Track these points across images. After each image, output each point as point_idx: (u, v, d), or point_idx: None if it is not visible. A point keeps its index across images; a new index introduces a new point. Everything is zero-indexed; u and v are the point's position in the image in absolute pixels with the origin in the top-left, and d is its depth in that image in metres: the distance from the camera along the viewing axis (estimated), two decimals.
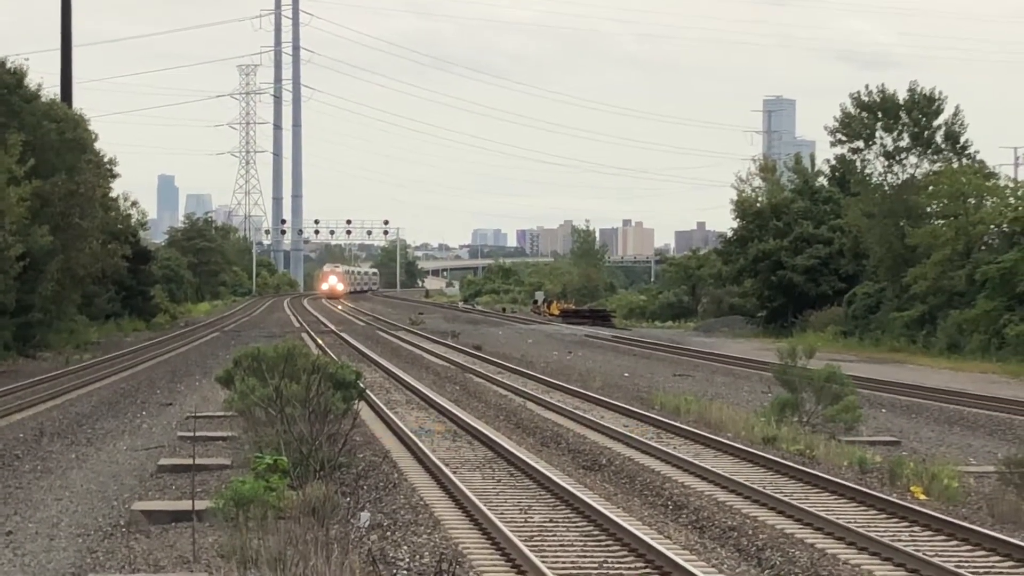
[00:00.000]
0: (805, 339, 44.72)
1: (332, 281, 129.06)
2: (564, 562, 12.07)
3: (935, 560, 12.06)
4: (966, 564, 12.09)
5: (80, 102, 67.75)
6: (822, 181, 77.22)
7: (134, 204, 74.18)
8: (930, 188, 58.92)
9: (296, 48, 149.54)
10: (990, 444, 24.73)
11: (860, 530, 13.74)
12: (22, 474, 20.48)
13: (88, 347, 52.03)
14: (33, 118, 49.31)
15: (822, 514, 14.77)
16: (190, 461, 16.63)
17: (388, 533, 13.71)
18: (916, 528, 14.38)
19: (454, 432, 25.12)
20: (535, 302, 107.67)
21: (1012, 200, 53.63)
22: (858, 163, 65.79)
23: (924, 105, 62.07)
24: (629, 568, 11.93)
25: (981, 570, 12.00)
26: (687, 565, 11.21)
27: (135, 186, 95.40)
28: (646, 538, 12.69)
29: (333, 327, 71.63)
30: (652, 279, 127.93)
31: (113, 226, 62.34)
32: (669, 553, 11.82)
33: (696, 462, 19.89)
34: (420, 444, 21.38)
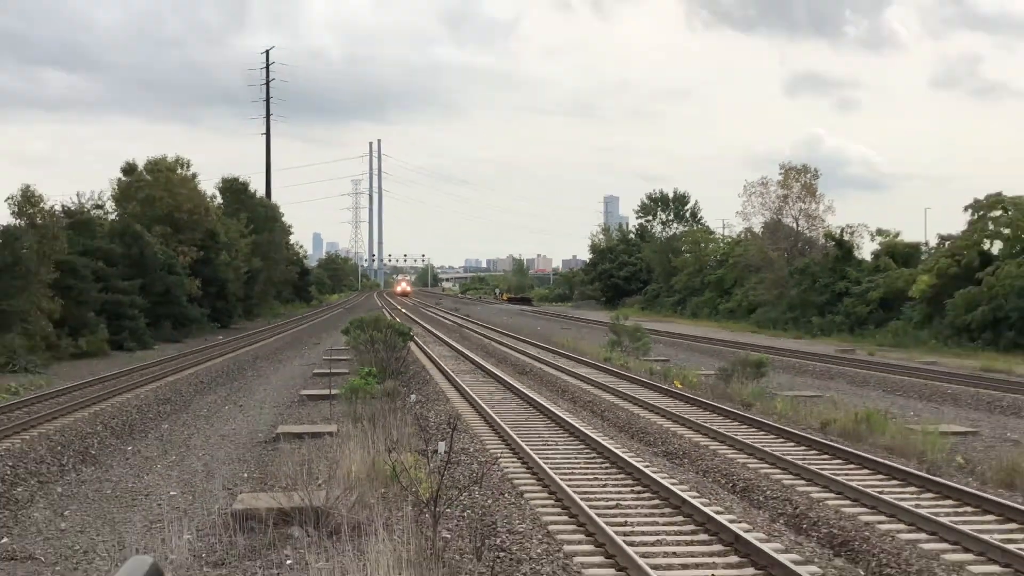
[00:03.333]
0: (623, 311, 76.76)
1: (402, 285, 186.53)
2: (508, 417, 22.12)
3: (675, 411, 23.32)
4: (691, 414, 22.96)
5: (274, 195, 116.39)
6: (631, 235, 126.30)
7: (300, 247, 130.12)
8: (683, 239, 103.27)
9: (379, 171, 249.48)
10: (711, 361, 39.91)
11: (645, 399, 25.44)
12: (246, 377, 35.11)
13: (278, 317, 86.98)
14: (251, 205, 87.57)
15: (629, 393, 26.93)
16: (328, 370, 30.30)
17: (425, 405, 24.60)
18: (674, 399, 25.95)
19: (456, 356, 40.91)
20: (495, 294, 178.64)
21: (721, 245, 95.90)
22: (649, 227, 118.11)
23: (680, 200, 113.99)
24: (537, 416, 23.04)
25: (694, 416, 22.44)
26: (566, 417, 22.50)
27: (301, 237, 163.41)
28: (547, 404, 24.44)
29: (397, 305, 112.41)
30: (551, 282, 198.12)
31: (290, 257, 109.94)
32: (558, 411, 23.27)
33: (571, 369, 33.91)
34: (440, 362, 35.56)
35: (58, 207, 45.78)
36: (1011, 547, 11.17)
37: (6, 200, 42.54)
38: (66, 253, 41.87)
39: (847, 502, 13.97)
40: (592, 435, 19.30)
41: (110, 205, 59.60)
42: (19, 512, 15.22)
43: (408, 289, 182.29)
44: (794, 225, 76.41)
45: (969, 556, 11.19)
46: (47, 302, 38.84)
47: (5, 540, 13.57)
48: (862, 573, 10.89)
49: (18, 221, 40.75)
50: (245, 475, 17.48)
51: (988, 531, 12.09)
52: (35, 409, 23.77)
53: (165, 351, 44.90)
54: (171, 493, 16.30)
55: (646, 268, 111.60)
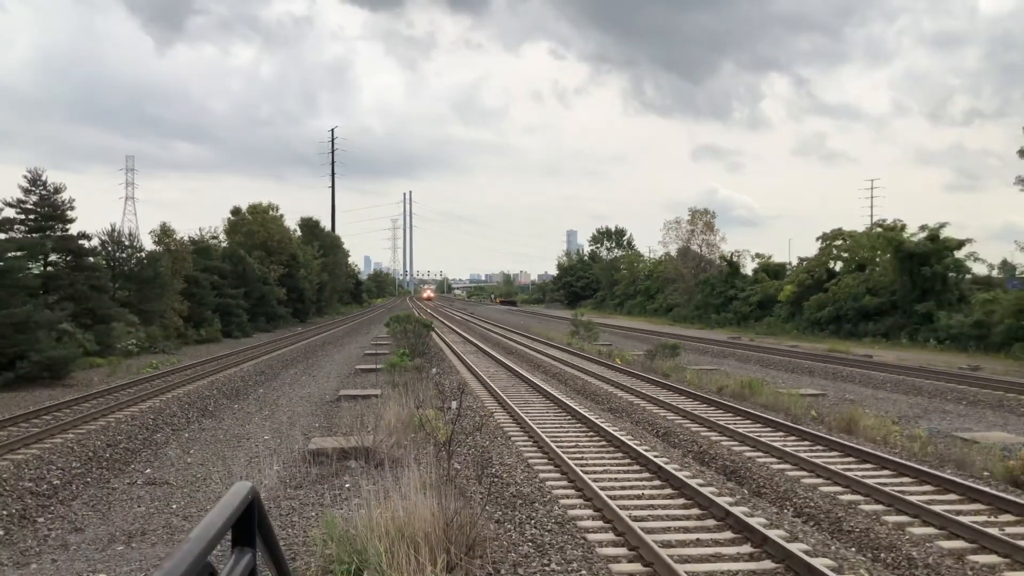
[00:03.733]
0: (580, 310, 75.86)
1: (428, 292, 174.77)
2: (500, 384, 22.42)
3: (616, 380, 23.09)
4: (627, 381, 22.90)
5: (337, 229, 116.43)
6: (586, 258, 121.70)
7: (356, 265, 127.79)
8: (622, 260, 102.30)
9: (410, 213, 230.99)
10: (642, 345, 38.00)
11: (595, 372, 25.28)
12: (317, 356, 34.36)
13: (340, 315, 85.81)
14: (321, 236, 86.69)
15: (584, 367, 26.68)
16: (375, 352, 30.87)
17: (442, 375, 23.56)
18: (615, 371, 25.71)
19: (464, 341, 39.78)
20: (491, 298, 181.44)
21: (648, 264, 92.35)
22: (598, 252, 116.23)
23: (620, 233, 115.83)
24: (520, 383, 22.96)
25: (629, 383, 22.48)
26: (541, 384, 22.55)
27: (356, 258, 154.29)
28: (527, 375, 24.21)
29: (423, 307, 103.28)
30: (530, 290, 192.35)
31: (349, 272, 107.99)
32: (535, 380, 23.28)
33: (544, 350, 33.44)
34: (453, 346, 34.84)
35: (186, 238, 45.70)
36: (849, 473, 11.19)
37: (149, 233, 42.85)
38: (191, 270, 41.91)
39: (736, 443, 13.97)
40: (559, 396, 19.28)
41: (222, 236, 59.47)
42: (158, 451, 15.13)
43: (431, 295, 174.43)
44: (699, 250, 76.51)
45: (820, 480, 11.21)
46: (178, 304, 38.79)
47: (149, 471, 13.48)
48: (745, 491, 10.89)
49: (158, 248, 40.73)
50: (317, 424, 17.40)
51: (832, 463, 12.11)
52: (169, 379, 23.63)
53: (260, 339, 44.66)
54: (265, 438, 16.22)
55: (596, 280, 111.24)
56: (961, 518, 9.00)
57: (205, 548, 1.27)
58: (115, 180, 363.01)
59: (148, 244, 39.91)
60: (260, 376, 26.58)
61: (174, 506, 11.33)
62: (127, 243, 36.71)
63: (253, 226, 61.80)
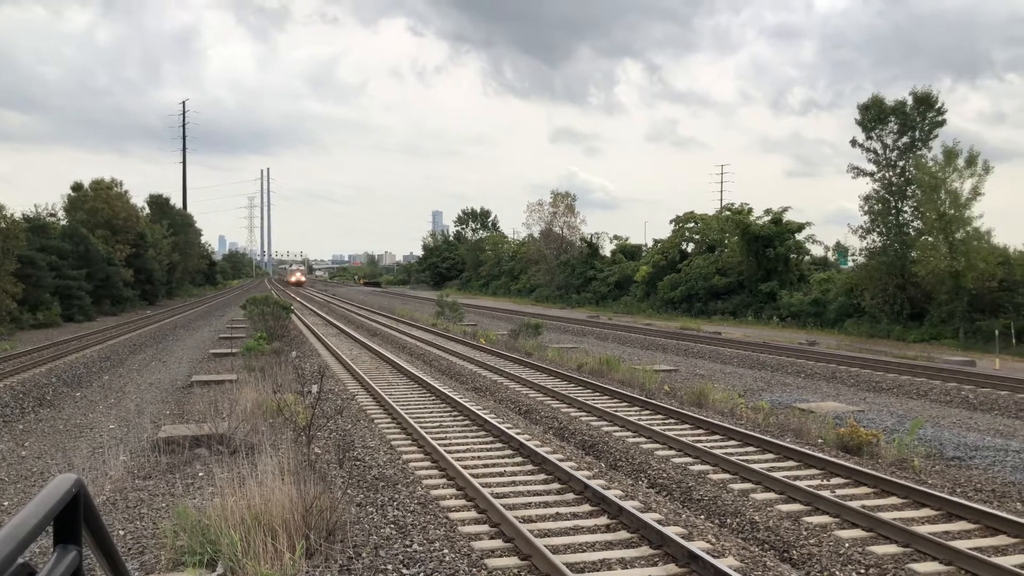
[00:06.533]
0: (446, 291, 74.49)
1: (296, 275, 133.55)
2: (363, 367, 22.00)
3: (480, 359, 23.36)
4: (491, 361, 23.15)
5: (189, 207, 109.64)
6: (451, 239, 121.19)
7: (209, 245, 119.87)
8: (486, 241, 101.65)
9: (268, 190, 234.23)
10: (505, 324, 38.57)
11: (460, 352, 25.33)
12: (168, 340, 32.74)
13: (193, 297, 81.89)
14: (171, 214, 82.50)
15: (449, 347, 26.70)
16: (230, 335, 29.82)
17: (302, 359, 22.99)
18: (479, 351, 25.68)
19: (326, 324, 39.11)
20: (355, 279, 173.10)
21: (512, 246, 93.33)
22: (463, 233, 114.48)
23: (484, 214, 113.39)
24: (384, 365, 22.52)
25: (493, 362, 22.67)
26: (405, 365, 22.46)
27: (209, 238, 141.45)
28: (392, 356, 23.92)
29: (284, 289, 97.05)
30: (395, 271, 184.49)
31: (201, 252, 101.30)
32: (400, 362, 23.05)
33: (408, 332, 33.32)
34: (314, 329, 34.06)
35: (19, 215, 42.24)
36: (699, 445, 11.76)
37: None
38: (25, 249, 38.82)
39: (594, 418, 14.39)
40: (423, 377, 19.21)
41: (62, 214, 55.51)
42: None
43: (302, 279, 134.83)
44: (561, 232, 78.09)
45: (672, 452, 11.71)
46: (10, 286, 35.85)
47: None
48: (603, 465, 11.24)
49: None
50: (167, 412, 16.60)
51: (684, 435, 12.68)
52: (1, 367, 21.86)
53: (106, 323, 42.07)
54: (110, 426, 15.33)
55: (462, 261, 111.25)
56: (798, 483, 9.64)
57: (18, 546, 1.16)
58: None
59: None
60: (105, 362, 25.05)
61: (5, 503, 10.52)
62: None
63: (96, 203, 57.95)
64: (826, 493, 9.21)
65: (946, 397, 18.71)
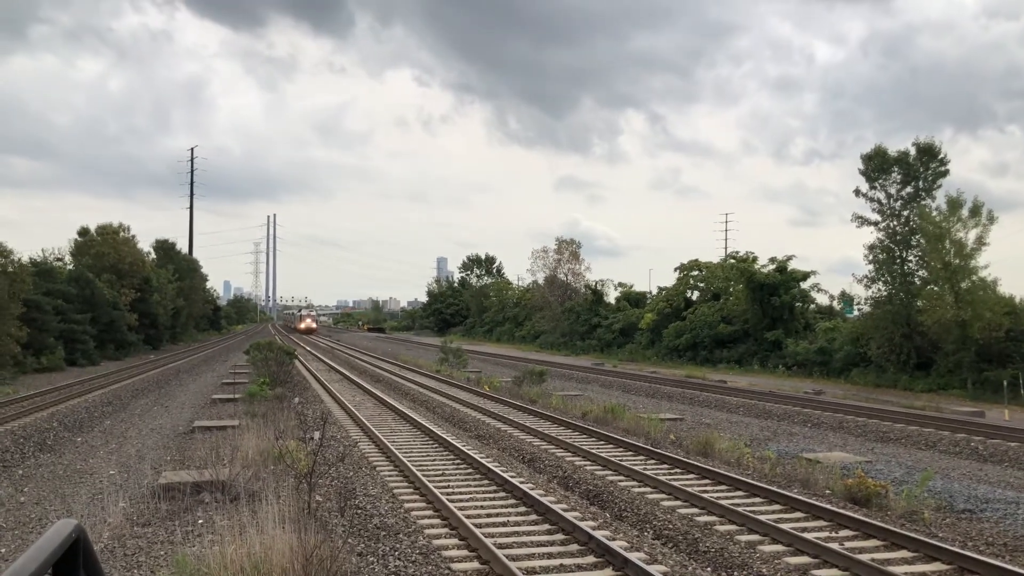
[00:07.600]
0: (450, 337, 72.83)
1: (307, 321, 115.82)
2: (366, 413, 21.86)
3: (483, 406, 23.19)
4: (494, 407, 22.96)
5: (195, 252, 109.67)
6: (456, 285, 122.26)
7: (214, 290, 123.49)
8: (491, 288, 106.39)
9: (274, 236, 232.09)
10: (509, 371, 38.57)
11: (463, 399, 25.19)
12: (171, 385, 32.78)
13: (197, 342, 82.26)
14: (177, 259, 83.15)
15: (453, 394, 26.69)
16: (233, 380, 29.40)
17: (305, 405, 22.98)
18: (483, 398, 25.82)
19: (329, 369, 38.93)
20: (359, 325, 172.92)
21: (516, 292, 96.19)
22: (468, 279, 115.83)
23: (489, 261, 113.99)
24: (387, 411, 22.51)
25: (497, 409, 22.53)
26: (408, 412, 22.52)
27: (215, 283, 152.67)
28: (395, 403, 23.78)
29: (288, 335, 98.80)
30: (400, 317, 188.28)
31: (206, 298, 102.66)
32: (403, 408, 23.04)
33: (412, 378, 33.28)
34: (317, 375, 34.33)
35: (26, 259, 42.53)
36: (705, 495, 11.61)
37: None
38: (31, 293, 38.99)
39: (599, 467, 14.24)
40: (427, 425, 19.09)
41: (68, 258, 55.89)
42: None
43: (314, 326, 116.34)
44: (565, 279, 78.32)
45: (678, 502, 11.57)
46: (16, 330, 35.92)
47: None
48: (608, 515, 11.09)
49: None
50: (168, 458, 16.48)
51: (690, 485, 12.54)
52: (2, 411, 21.79)
53: (109, 367, 42.02)
54: (110, 472, 15.22)
55: (466, 307, 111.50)
56: (806, 535, 9.49)
57: None
58: None
59: None
60: (107, 407, 24.96)
61: (2, 550, 10.40)
62: None
63: (103, 248, 58.39)
64: (835, 546, 9.06)
65: (955, 448, 18.51)
